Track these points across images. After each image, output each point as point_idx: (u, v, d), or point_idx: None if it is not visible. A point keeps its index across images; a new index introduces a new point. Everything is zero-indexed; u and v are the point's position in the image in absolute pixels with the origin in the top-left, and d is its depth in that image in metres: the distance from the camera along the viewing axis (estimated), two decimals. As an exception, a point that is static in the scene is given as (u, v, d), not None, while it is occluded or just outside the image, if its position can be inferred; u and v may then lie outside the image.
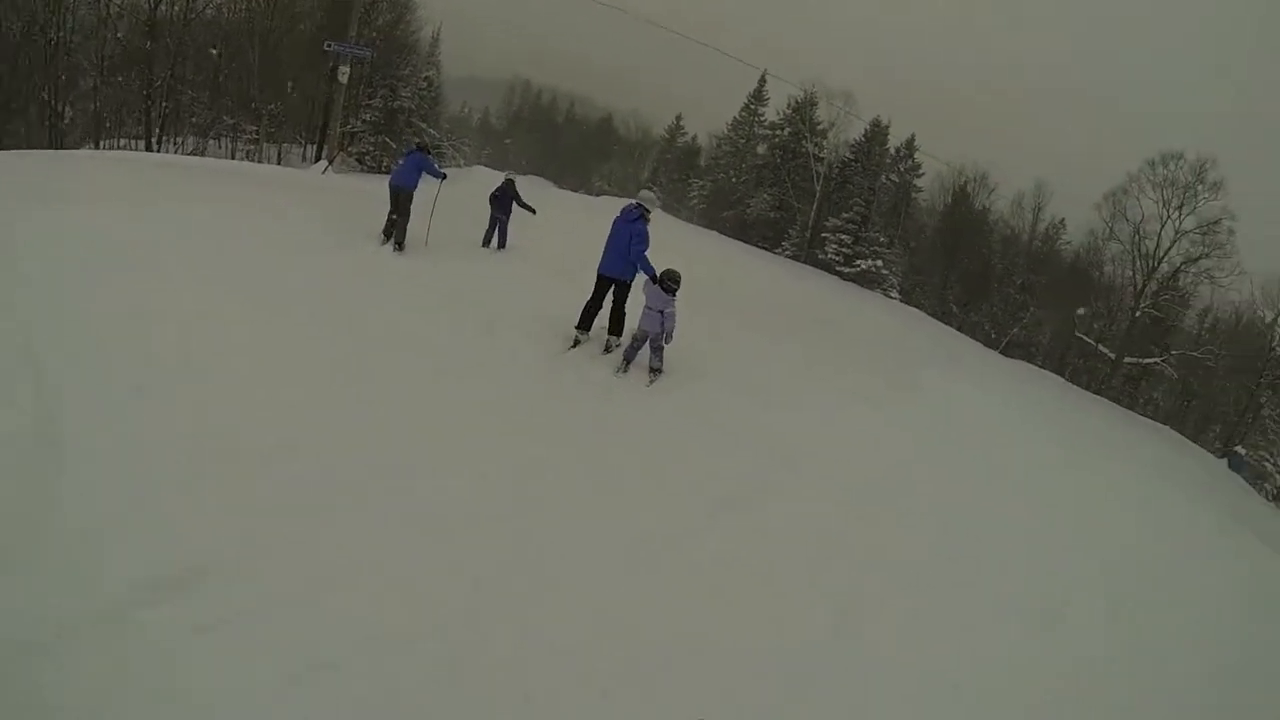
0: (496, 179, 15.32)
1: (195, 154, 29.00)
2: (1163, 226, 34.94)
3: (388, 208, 11.85)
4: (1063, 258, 42.15)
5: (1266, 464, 28.18)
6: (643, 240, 9.04)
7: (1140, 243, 35.82)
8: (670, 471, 7.23)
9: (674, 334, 9.01)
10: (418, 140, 13.51)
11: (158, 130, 29.62)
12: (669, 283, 8.90)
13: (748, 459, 7.73)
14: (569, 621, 5.01)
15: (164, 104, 29.88)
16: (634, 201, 9.49)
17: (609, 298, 9.40)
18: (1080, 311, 36.86)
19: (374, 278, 10.19)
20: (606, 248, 9.28)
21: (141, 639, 4.04)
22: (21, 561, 4.27)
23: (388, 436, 6.58)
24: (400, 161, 12.79)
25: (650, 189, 11.06)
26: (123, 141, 29.71)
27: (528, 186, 15.89)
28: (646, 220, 9.18)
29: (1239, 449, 27.04)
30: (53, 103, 27.12)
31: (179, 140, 31.02)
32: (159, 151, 27.92)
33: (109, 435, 5.52)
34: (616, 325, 9.34)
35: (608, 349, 9.32)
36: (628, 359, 9.04)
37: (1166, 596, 6.97)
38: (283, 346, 7.61)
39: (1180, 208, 34.35)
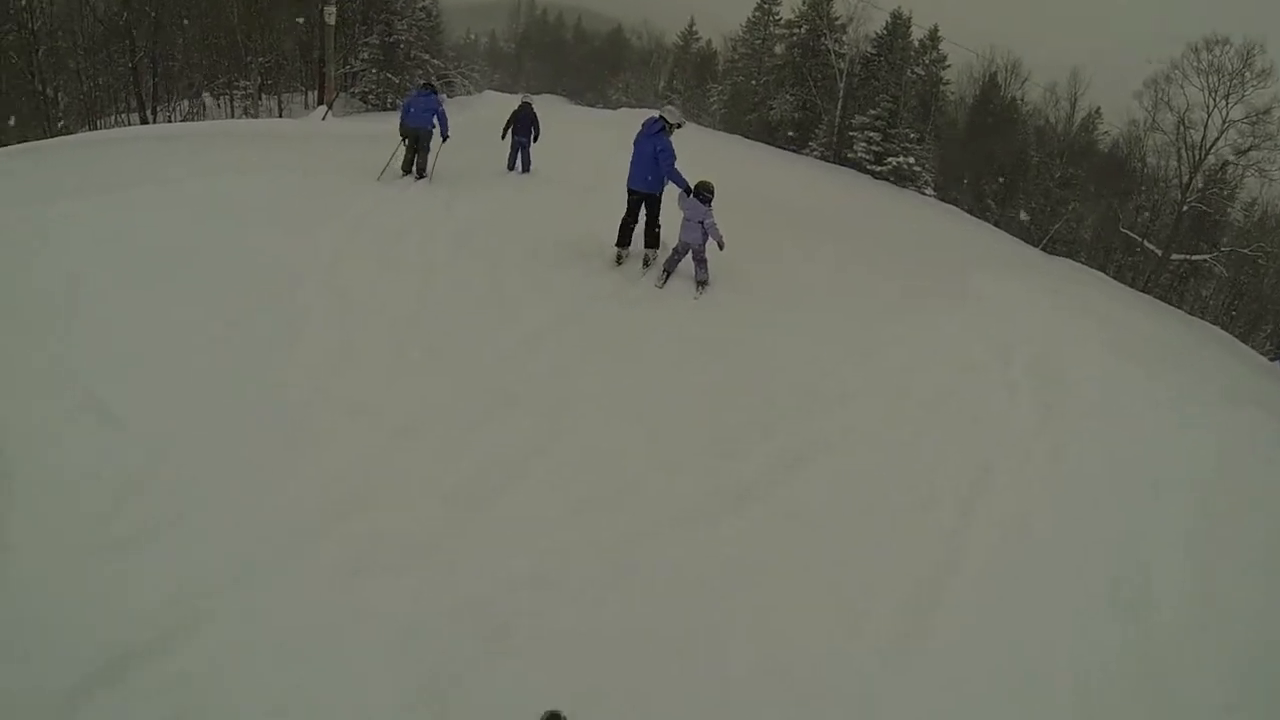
0: (508, 103, 15.48)
1: (192, 118, 28.38)
2: (1209, 116, 32.47)
3: (402, 146, 12.25)
4: (1101, 149, 40.29)
5: (1319, 364, 27.09)
6: (669, 154, 8.94)
7: (1185, 133, 33.36)
8: (729, 388, 7.14)
9: (723, 240, 8.96)
10: (424, 80, 13.65)
11: (150, 101, 28.95)
12: (704, 194, 8.84)
13: (803, 377, 7.47)
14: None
15: (154, 74, 29.18)
16: (655, 114, 9.44)
17: (643, 212, 9.38)
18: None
19: (408, 213, 10.30)
20: (633, 163, 9.18)
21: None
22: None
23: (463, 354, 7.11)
24: (410, 101, 12.65)
25: (672, 103, 10.84)
26: (117, 118, 29.15)
27: (544, 106, 15.32)
28: (669, 133, 9.06)
29: (1289, 347, 25.95)
30: (43, 90, 26.42)
31: (172, 107, 30.28)
32: (155, 122, 27.35)
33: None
34: (652, 239, 9.35)
35: (646, 263, 9.38)
36: (668, 270, 9.11)
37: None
38: (349, 291, 7.90)
39: (1227, 96, 31.86)
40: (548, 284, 8.73)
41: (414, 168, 12.22)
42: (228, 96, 31.64)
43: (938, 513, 5.82)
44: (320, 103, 27.33)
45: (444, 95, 12.65)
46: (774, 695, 3.95)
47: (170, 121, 27.80)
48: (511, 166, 13.48)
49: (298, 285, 7.70)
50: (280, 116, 29.10)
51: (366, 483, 5.16)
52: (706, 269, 9.04)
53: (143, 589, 4.02)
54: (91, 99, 29.14)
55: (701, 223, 8.81)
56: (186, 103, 30.57)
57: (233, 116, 29.92)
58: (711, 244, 8.99)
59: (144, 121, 27.47)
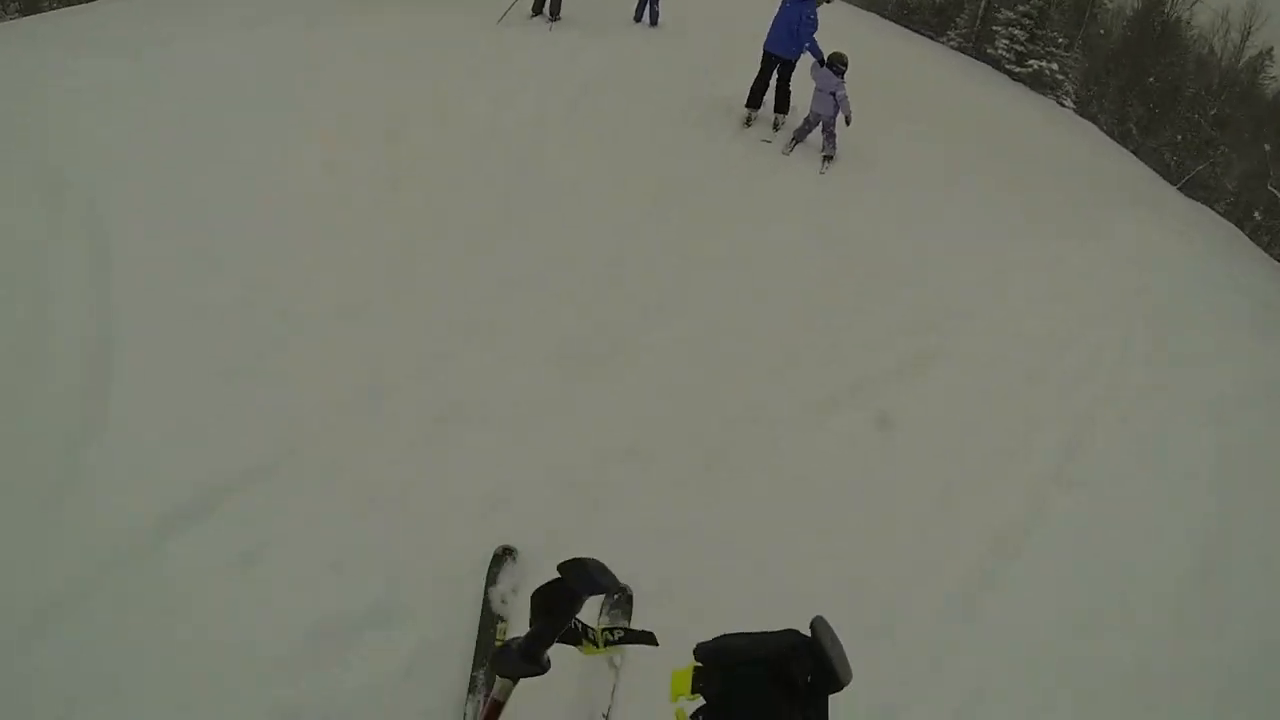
0: None
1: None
2: None
3: None
4: (1265, 94, 36.99)
5: None
6: (813, 24, 9.10)
7: None
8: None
9: (851, 114, 9.08)
10: None
11: None
12: (838, 65, 8.98)
13: (922, 285, 7.43)
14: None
15: None
16: None
17: (775, 76, 9.56)
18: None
19: (528, 61, 9.96)
20: (774, 25, 9.27)
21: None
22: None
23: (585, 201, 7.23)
24: None
25: None
26: None
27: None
28: (818, 3, 9.22)
29: None
30: None
31: None
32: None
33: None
34: (783, 103, 9.59)
35: (775, 127, 9.60)
36: (796, 139, 9.34)
37: None
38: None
39: None
40: (673, 147, 8.64)
41: (545, 7, 11.42)
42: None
43: (1033, 458, 5.66)
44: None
45: None
46: (842, 618, 3.69)
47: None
48: (639, 18, 12.74)
49: (396, 137, 7.42)
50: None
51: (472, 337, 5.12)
52: (834, 143, 9.21)
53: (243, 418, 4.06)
54: None
55: (833, 94, 8.93)
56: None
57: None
58: (840, 118, 9.10)
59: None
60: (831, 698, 1.18)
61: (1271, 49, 36.57)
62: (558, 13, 11.41)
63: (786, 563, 4.03)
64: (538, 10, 11.38)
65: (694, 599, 3.46)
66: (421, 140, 7.46)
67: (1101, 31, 38.56)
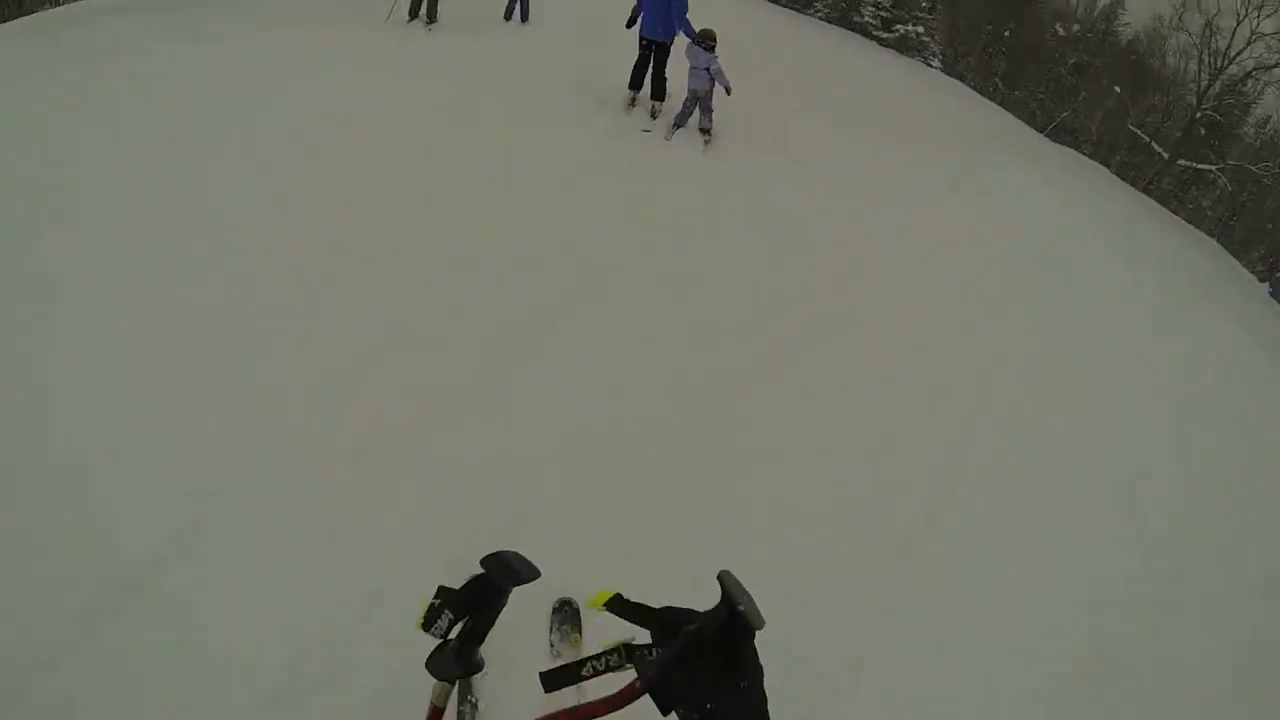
0: None
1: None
2: (1238, 24, 30.92)
3: None
4: (1119, 41, 38.89)
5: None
6: (684, 5, 9.26)
7: (1211, 38, 31.86)
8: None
9: (729, 84, 9.21)
10: None
11: None
12: (708, 41, 9.14)
13: (817, 251, 7.68)
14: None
15: None
16: None
17: (651, 62, 9.74)
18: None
19: (419, 59, 9.89)
20: (646, 10, 9.40)
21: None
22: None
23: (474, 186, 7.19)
24: None
25: None
26: None
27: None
28: None
29: (1280, 274, 25.52)
30: None
31: None
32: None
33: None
34: (659, 90, 9.75)
35: (653, 115, 9.76)
36: (678, 123, 9.52)
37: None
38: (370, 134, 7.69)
39: (1260, 7, 30.15)
40: (558, 138, 8.62)
41: (422, 10, 11.36)
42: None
43: (952, 403, 5.98)
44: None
45: None
46: (792, 588, 3.80)
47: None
48: (509, 16, 12.65)
49: (278, 152, 7.03)
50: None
51: (363, 367, 4.89)
52: (712, 117, 9.44)
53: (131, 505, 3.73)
54: None
55: (708, 69, 9.10)
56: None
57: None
58: (718, 90, 9.28)
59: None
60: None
61: (1122, -1, 38.48)
62: (434, 16, 11.36)
63: (722, 541, 4.03)
64: (414, 14, 11.30)
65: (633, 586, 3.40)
66: (319, 143, 7.21)
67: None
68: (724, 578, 1.23)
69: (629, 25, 9.59)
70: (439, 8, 11.36)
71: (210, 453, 3.94)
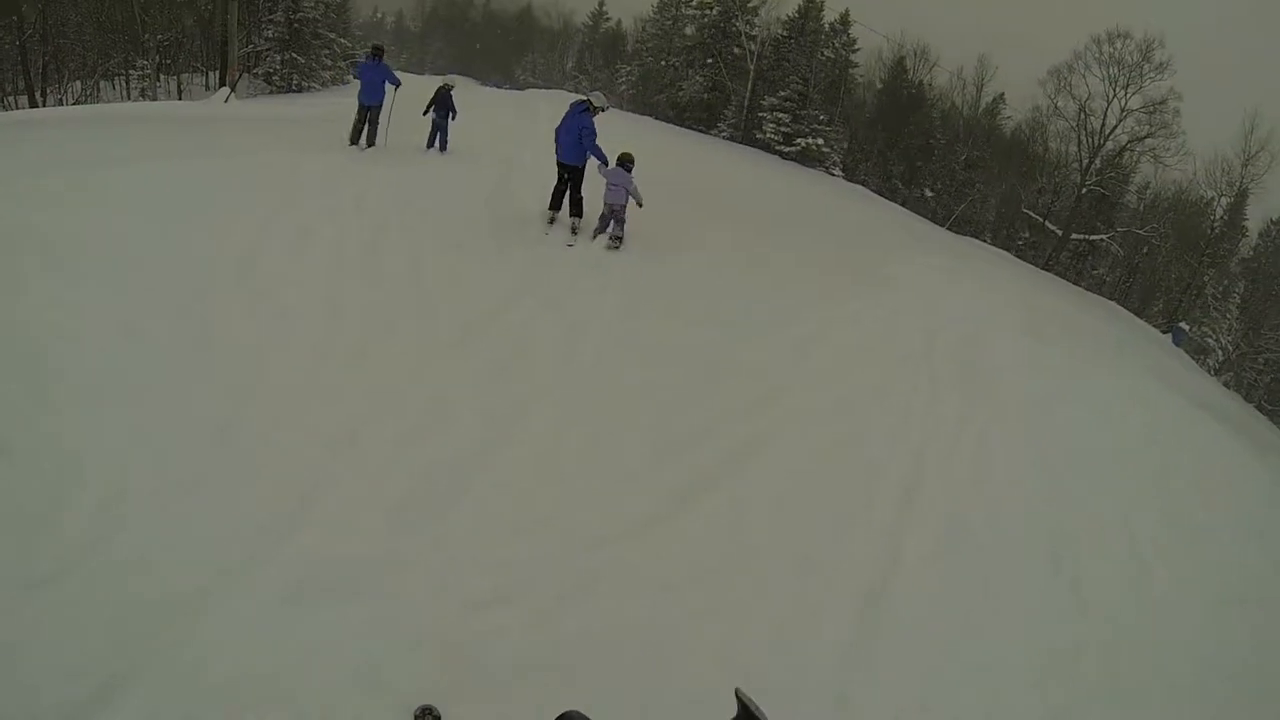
0: (415, 83, 15.97)
1: (85, 101, 26.65)
2: (1109, 104, 33.92)
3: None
4: (1004, 133, 41.57)
5: (1209, 339, 28.33)
6: (591, 132, 10.14)
7: (1086, 120, 34.88)
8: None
9: (641, 197, 10.04)
10: (374, 44, 13.80)
11: (39, 83, 26.95)
12: (626, 164, 10.12)
13: (734, 371, 7.57)
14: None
15: (43, 54, 27.13)
16: (581, 97, 10.78)
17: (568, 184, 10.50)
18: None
19: (359, 185, 10.26)
20: (559, 137, 10.34)
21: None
22: None
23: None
24: (362, 70, 13.28)
25: (599, 91, 12.10)
26: (3, 100, 26.83)
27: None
28: (593, 114, 10.27)
29: (1182, 324, 26.99)
30: None
31: (64, 89, 28.27)
32: (44, 105, 25.55)
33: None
34: (577, 208, 10.45)
35: (574, 230, 10.38)
36: (596, 233, 10.27)
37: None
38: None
39: (1126, 87, 33.28)
40: (484, 257, 8.92)
41: (362, 139, 12.93)
42: (123, 78, 29.81)
43: (878, 505, 5.98)
44: (222, 84, 25.90)
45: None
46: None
47: (61, 104, 26.04)
48: (430, 145, 13.59)
49: (218, 280, 7.00)
50: (180, 99, 27.54)
51: (304, 500, 4.83)
52: (623, 227, 10.19)
53: (73, 636, 3.67)
54: None
55: (625, 187, 9.94)
56: (79, 84, 28.62)
57: (129, 99, 28.14)
58: (632, 205, 10.05)
59: (33, 105, 25.60)
60: None
61: (1003, 94, 41.30)
62: (373, 142, 12.97)
63: (675, 655, 4.15)
64: (354, 140, 12.89)
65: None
66: (274, 268, 7.35)
67: (857, 104, 42.05)
68: (741, 693, 1.36)
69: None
70: (378, 138, 13.01)
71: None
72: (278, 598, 4.08)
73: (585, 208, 10.45)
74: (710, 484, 5.80)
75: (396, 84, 13.33)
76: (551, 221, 10.50)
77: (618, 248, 9.98)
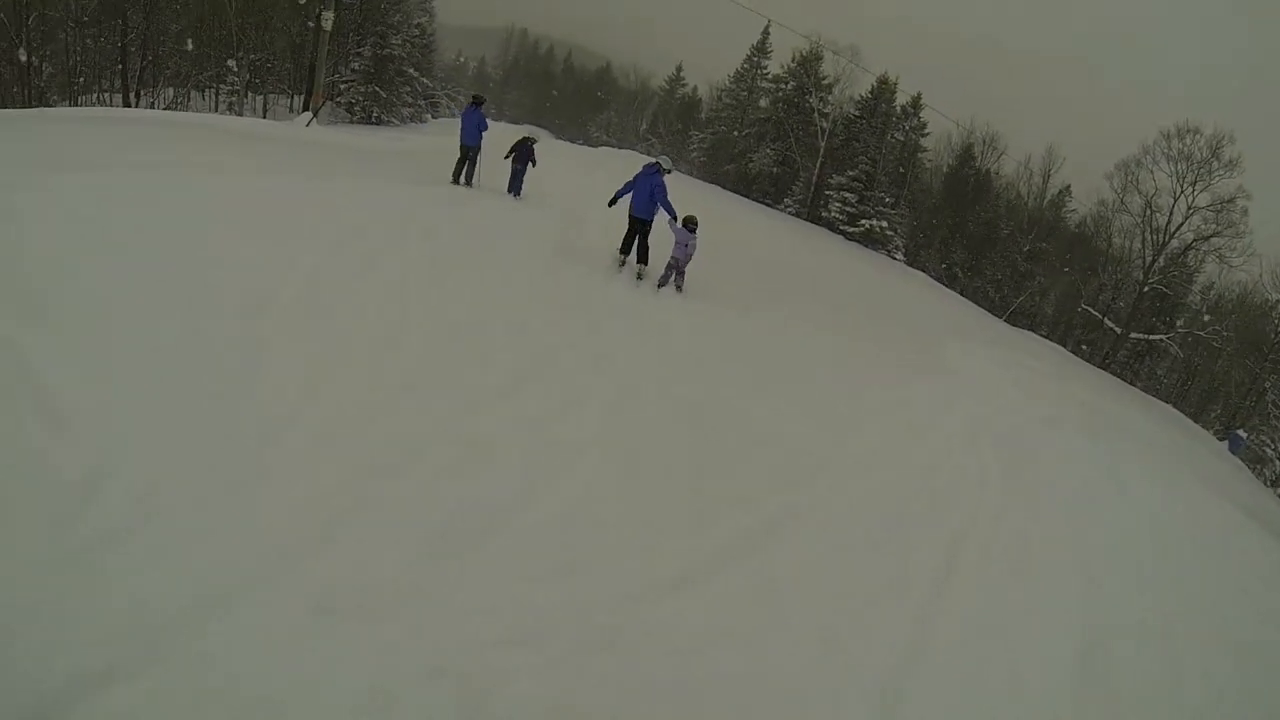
0: (495, 129, 16.61)
1: (175, 107, 27.91)
2: (1175, 201, 33.56)
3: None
4: (1069, 226, 41.37)
5: (1267, 449, 27.64)
6: (664, 189, 11.54)
7: (1151, 216, 34.53)
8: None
9: (694, 255, 11.43)
10: (475, 94, 15.42)
11: (135, 84, 28.31)
12: (690, 224, 11.37)
13: (780, 444, 7.53)
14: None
15: (142, 57, 28.50)
16: (654, 160, 12.16)
17: (638, 234, 11.78)
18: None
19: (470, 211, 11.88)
20: (633, 195, 11.63)
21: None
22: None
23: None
24: (465, 115, 14.82)
25: (665, 153, 13.02)
26: (100, 96, 28.36)
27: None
28: (664, 174, 11.67)
29: (1240, 431, 26.30)
30: (29, 58, 25.48)
31: (157, 94, 29.70)
32: (137, 106, 26.82)
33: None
34: (643, 255, 11.71)
35: (639, 276, 11.59)
36: (661, 283, 11.43)
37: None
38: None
39: (1194, 183, 32.89)
40: (529, 315, 8.82)
41: (464, 177, 14.54)
42: (213, 90, 31.20)
43: (911, 590, 5.89)
44: (306, 108, 26.97)
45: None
46: None
47: (153, 107, 27.28)
48: (510, 190, 14.58)
49: (282, 296, 7.29)
50: (264, 117, 28.69)
51: (337, 520, 4.92)
52: (684, 279, 11.50)
53: (90, 613, 3.78)
54: (76, 74, 28.30)
55: (686, 244, 11.24)
56: (172, 90, 29.99)
57: (216, 111, 29.43)
58: (694, 263, 11.46)
59: (126, 104, 26.89)
60: None
61: (1069, 185, 41.11)
62: (471, 180, 14.52)
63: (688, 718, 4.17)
64: (455, 179, 14.49)
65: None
66: (338, 291, 7.68)
67: (923, 188, 42.24)
68: None
69: (610, 204, 11.90)
70: (474, 175, 14.63)
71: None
72: (298, 611, 4.11)
73: (651, 257, 11.63)
74: (743, 553, 5.76)
75: (483, 129, 14.57)
76: (621, 265, 11.72)
77: (680, 289, 11.29)
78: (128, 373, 5.44)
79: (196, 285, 6.73)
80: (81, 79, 28.59)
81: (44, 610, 3.70)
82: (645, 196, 11.51)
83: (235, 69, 30.39)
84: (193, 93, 30.57)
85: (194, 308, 6.45)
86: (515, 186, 14.55)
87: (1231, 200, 32.37)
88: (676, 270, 11.37)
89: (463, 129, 14.49)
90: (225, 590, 4.09)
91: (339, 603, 4.24)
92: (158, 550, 4.19)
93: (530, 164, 14.64)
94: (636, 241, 11.68)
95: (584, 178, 18.14)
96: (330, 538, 4.70)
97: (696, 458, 6.83)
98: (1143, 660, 5.85)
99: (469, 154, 14.40)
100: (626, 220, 11.80)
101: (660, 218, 11.61)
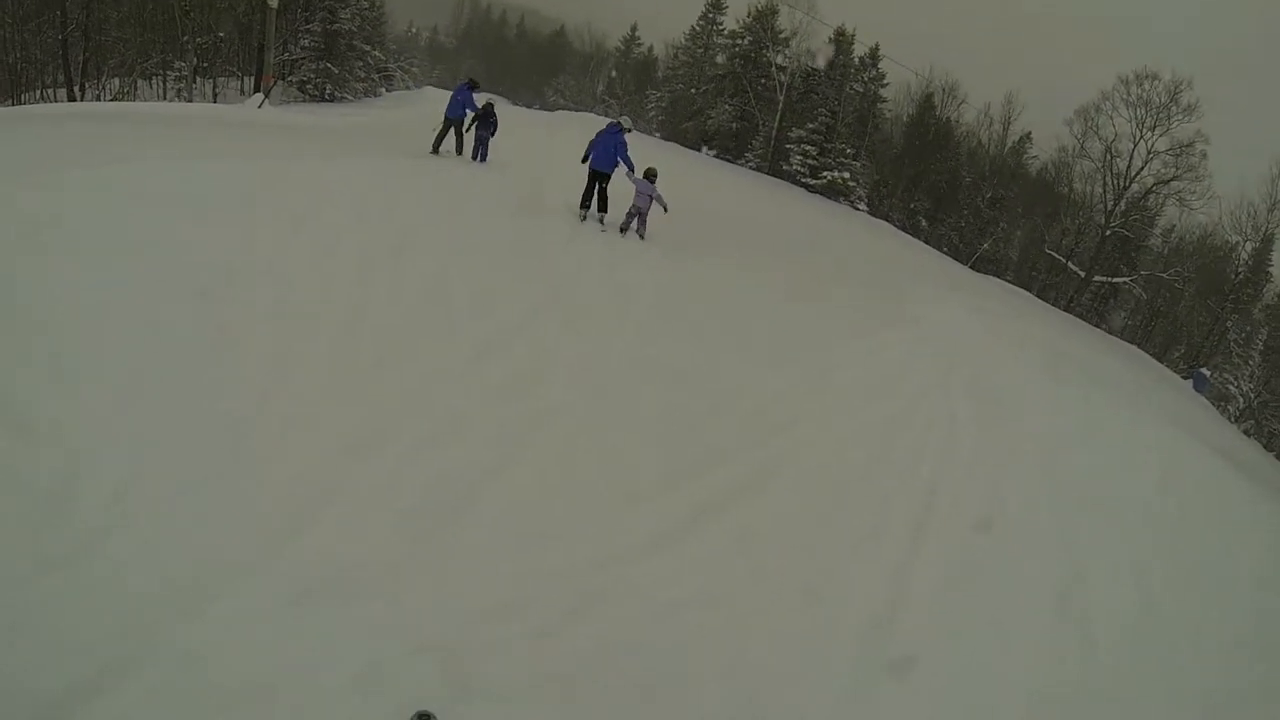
0: (445, 98, 16.70)
1: (122, 98, 27.15)
2: (1135, 146, 33.73)
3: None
4: (1030, 172, 41.55)
5: (1230, 386, 28.10)
6: (624, 146, 12.30)
7: (1112, 161, 34.68)
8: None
9: (666, 205, 11.91)
10: (471, 78, 15.96)
11: (79, 77, 27.45)
12: (652, 175, 11.90)
13: (754, 398, 7.60)
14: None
15: (85, 48, 27.61)
16: (616, 120, 13.11)
17: (597, 186, 12.40)
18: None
19: (433, 180, 11.85)
20: (595, 151, 12.28)
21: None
22: None
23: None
24: (455, 91, 15.38)
25: (627, 115, 14.30)
26: (42, 93, 27.35)
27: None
28: (625, 132, 12.45)
29: (1204, 370, 26.82)
30: None
31: (102, 85, 28.82)
32: (82, 100, 26.07)
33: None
34: (603, 204, 12.31)
35: (602, 223, 12.21)
36: (623, 229, 12.02)
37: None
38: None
39: (1154, 128, 33.06)
40: (494, 279, 8.71)
41: (456, 148, 14.99)
42: (161, 78, 30.36)
43: (889, 538, 5.98)
44: (257, 89, 26.34)
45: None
46: None
47: (99, 100, 26.53)
48: (475, 157, 14.95)
49: (244, 280, 7.03)
50: (215, 102, 28.03)
51: (314, 502, 4.88)
52: (645, 225, 12.05)
53: (78, 618, 3.73)
54: (16, 71, 27.36)
55: (650, 195, 11.80)
56: (117, 81, 29.15)
57: (165, 99, 28.66)
58: (655, 208, 11.94)
59: (71, 99, 26.07)
60: None
61: (1029, 133, 41.13)
62: (460, 151, 14.91)
63: (676, 676, 4.20)
64: (435, 150, 14.77)
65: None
66: (303, 269, 7.50)
67: (884, 139, 42.14)
68: None
69: (584, 160, 12.34)
70: (462, 147, 15.04)
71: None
72: (282, 597, 4.11)
73: (610, 207, 12.23)
74: (721, 508, 5.80)
75: (468, 106, 15.03)
76: (583, 219, 12.27)
77: (641, 237, 11.90)
78: (91, 372, 5.28)
79: (155, 276, 6.47)
80: (23, 75, 27.62)
81: (32, 621, 3.64)
82: (606, 151, 12.20)
83: (182, 63, 29.58)
84: (139, 82, 29.69)
85: (153, 298, 6.22)
86: (481, 153, 14.91)
87: (1190, 145, 32.51)
88: (639, 217, 11.92)
89: (449, 103, 15.02)
90: (209, 582, 4.07)
91: (321, 586, 4.23)
92: (137, 550, 4.14)
93: (493, 129, 14.94)
94: (597, 193, 12.26)
95: (544, 140, 18.21)
96: (308, 522, 4.68)
97: (668, 416, 6.84)
98: (1119, 597, 5.97)
99: (450, 126, 14.90)
100: (586, 179, 12.34)
101: (619, 171, 12.16)
